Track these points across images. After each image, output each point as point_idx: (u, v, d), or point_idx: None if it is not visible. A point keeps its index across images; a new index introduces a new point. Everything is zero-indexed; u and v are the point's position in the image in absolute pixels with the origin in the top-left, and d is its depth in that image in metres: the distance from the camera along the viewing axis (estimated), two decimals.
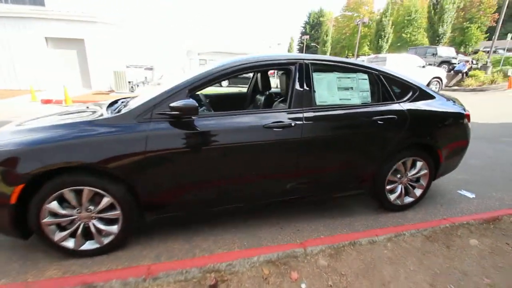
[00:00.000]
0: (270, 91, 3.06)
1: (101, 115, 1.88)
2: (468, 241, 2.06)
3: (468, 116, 2.60)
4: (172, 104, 1.70)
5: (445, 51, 16.95)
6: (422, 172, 2.51)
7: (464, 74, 14.40)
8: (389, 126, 2.24)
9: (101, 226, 1.82)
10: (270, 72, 2.91)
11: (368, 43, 38.48)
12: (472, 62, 16.24)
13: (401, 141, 2.29)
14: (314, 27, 51.36)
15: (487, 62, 15.78)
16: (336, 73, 2.19)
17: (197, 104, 1.71)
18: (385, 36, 28.47)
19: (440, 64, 15.87)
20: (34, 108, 8.14)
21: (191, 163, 1.84)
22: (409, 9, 34.73)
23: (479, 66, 16.23)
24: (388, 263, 1.80)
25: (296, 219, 2.40)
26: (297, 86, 2.05)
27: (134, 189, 1.77)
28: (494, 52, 19.38)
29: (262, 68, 2.16)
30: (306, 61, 2.10)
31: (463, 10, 30.26)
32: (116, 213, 1.80)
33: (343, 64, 2.23)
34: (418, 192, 2.59)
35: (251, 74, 3.60)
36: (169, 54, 16.76)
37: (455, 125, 2.56)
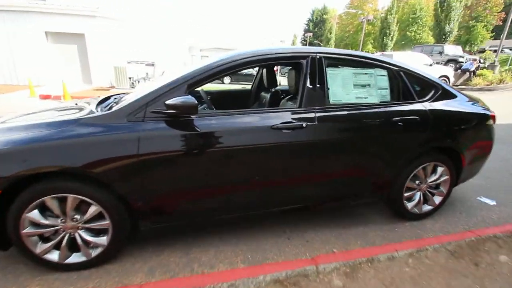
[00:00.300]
0: (276, 88, 2.85)
1: (89, 113, 1.68)
2: (497, 257, 1.85)
3: (493, 118, 2.38)
4: (168, 102, 1.49)
5: (452, 49, 16.63)
6: (443, 178, 2.30)
7: (472, 73, 14.07)
8: (410, 128, 2.02)
9: (89, 237, 1.62)
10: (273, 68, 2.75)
11: (372, 41, 38.05)
12: (479, 61, 15.91)
13: (423, 144, 2.07)
14: (317, 25, 50.82)
15: (494, 61, 15.45)
16: (351, 68, 1.97)
17: (196, 102, 1.50)
18: (390, 34, 28.07)
19: (447, 62, 15.57)
20: (32, 103, 7.96)
21: (190, 167, 1.63)
22: (414, 7, 34.27)
23: (486, 65, 15.89)
24: (411, 284, 1.59)
25: (304, 228, 2.20)
26: (309, 83, 1.84)
27: (125, 197, 1.57)
28: (501, 51, 19.07)
29: (270, 62, 1.93)
30: (319, 55, 1.88)
31: (469, 8, 29.80)
32: (105, 223, 1.60)
33: (359, 59, 2.00)
34: (437, 199, 2.37)
35: (254, 71, 3.38)
36: (171, 51, 16.54)
37: (479, 127, 2.33)
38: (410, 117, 2.00)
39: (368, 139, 1.95)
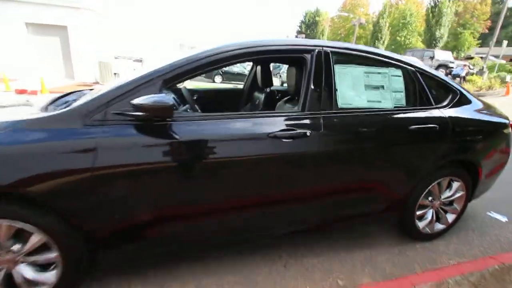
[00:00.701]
0: (272, 87, 2.54)
1: (33, 114, 1.31)
2: None
3: None
4: (134, 101, 1.14)
5: (443, 54, 16.81)
6: (458, 194, 2.04)
7: (462, 79, 14.21)
8: (429, 139, 1.74)
9: (31, 274, 1.26)
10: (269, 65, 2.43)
11: (364, 45, 38.38)
12: (469, 67, 16.13)
13: (441, 157, 1.80)
14: (309, 27, 50.93)
15: (483, 67, 15.67)
16: (363, 66, 1.67)
17: (172, 102, 1.16)
18: (381, 38, 28.33)
19: (438, 67, 15.69)
20: (6, 98, 7.35)
21: (166, 185, 1.30)
22: (404, 13, 34.72)
23: (475, 71, 16.12)
24: None
25: (303, 251, 1.89)
26: (314, 82, 1.53)
27: (78, 223, 1.22)
28: (483, 58, 19.43)
29: (266, 55, 1.60)
30: (326, 49, 1.57)
31: (458, 16, 30.43)
32: (53, 255, 1.24)
33: (372, 55, 1.70)
34: (450, 217, 2.11)
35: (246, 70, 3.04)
36: (161, 47, 15.99)
37: (498, 137, 2.09)
38: (428, 125, 1.72)
39: (382, 150, 1.66)
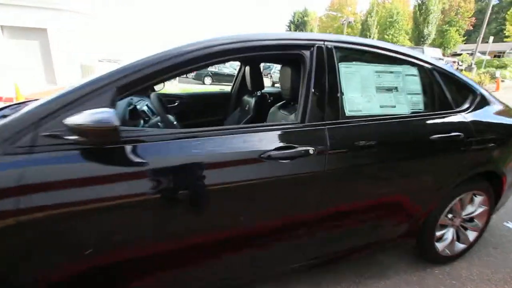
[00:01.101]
0: (263, 91, 2.24)
1: None
2: None
3: None
4: (67, 121, 0.82)
5: (432, 52, 16.86)
6: (481, 210, 1.78)
7: None
8: (452, 148, 1.46)
9: None
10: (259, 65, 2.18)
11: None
12: (458, 63, 16.26)
13: (466, 169, 1.53)
14: (298, 26, 51.03)
15: (471, 63, 15.82)
16: (373, 64, 1.38)
17: (116, 123, 0.82)
18: (370, 36, 28.47)
19: None
20: None
21: (118, 228, 0.97)
22: (391, 11, 35.04)
23: (463, 68, 16.26)
24: None
25: (304, 283, 1.59)
26: (315, 85, 1.22)
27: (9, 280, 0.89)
28: (471, 54, 19.74)
29: (254, 53, 1.26)
30: (329, 44, 1.27)
31: (443, 13, 30.87)
32: None
33: (383, 51, 1.41)
34: (471, 236, 1.84)
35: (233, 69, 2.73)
36: (149, 50, 15.49)
37: None
38: (451, 134, 1.44)
39: (400, 166, 1.38)
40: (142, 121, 1.51)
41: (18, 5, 10.85)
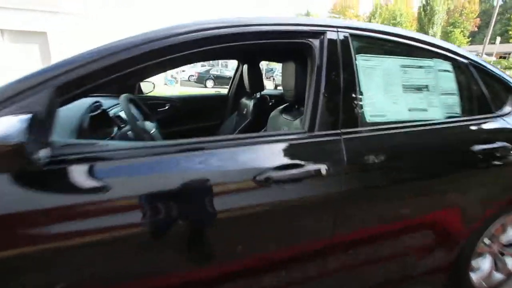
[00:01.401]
0: (262, 92, 1.97)
1: None
2: None
3: None
4: None
5: None
6: None
7: None
8: (496, 160, 1.18)
9: None
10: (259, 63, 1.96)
11: None
12: None
13: (509, 186, 1.24)
14: None
15: None
16: (398, 57, 1.11)
17: (17, 139, 0.55)
18: None
19: None
20: None
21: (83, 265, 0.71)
22: (394, 13, 34.79)
23: None
24: None
25: None
26: (326, 84, 0.95)
27: None
28: (477, 56, 19.26)
29: (248, 42, 0.92)
30: (344, 32, 1.00)
31: (447, 14, 30.56)
32: None
33: (410, 41, 1.13)
34: (511, 263, 1.55)
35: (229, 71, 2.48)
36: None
37: None
38: (495, 145, 1.16)
39: (434, 184, 1.09)
40: (116, 130, 1.25)
41: (16, 9, 10.82)
